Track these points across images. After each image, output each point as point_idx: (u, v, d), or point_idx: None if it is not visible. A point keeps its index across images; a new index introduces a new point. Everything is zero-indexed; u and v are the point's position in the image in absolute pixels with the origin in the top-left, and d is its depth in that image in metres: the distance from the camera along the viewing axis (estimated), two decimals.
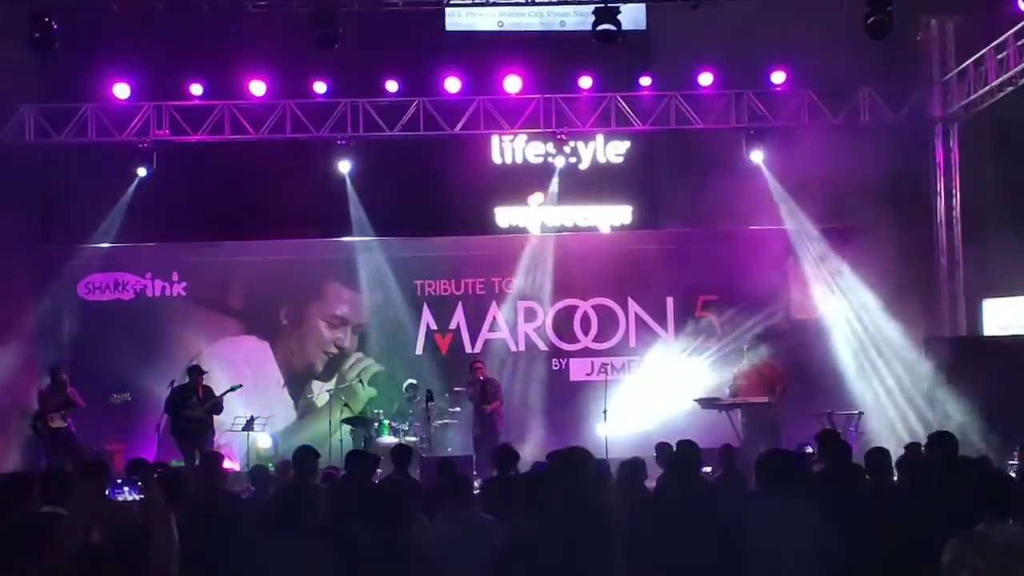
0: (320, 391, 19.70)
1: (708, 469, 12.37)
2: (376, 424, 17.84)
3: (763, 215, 19.53)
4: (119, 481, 14.21)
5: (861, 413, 17.72)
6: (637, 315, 19.98)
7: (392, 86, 19.25)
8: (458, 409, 18.45)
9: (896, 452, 10.02)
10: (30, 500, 7.43)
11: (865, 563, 7.19)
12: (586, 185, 20.18)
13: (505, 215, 20.29)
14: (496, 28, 19.17)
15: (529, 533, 6.57)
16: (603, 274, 19.69)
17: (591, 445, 15.58)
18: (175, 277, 19.80)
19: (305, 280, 19.97)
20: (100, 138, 19.02)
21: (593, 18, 15.68)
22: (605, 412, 17.71)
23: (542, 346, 19.95)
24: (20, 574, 6.55)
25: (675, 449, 9.43)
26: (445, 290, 20.07)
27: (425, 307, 19.96)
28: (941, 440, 9.11)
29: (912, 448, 10.81)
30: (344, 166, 19.34)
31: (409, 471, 11.63)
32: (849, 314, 19.34)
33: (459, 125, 19.27)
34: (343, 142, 19.26)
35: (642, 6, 18.26)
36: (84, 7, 16.73)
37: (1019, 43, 16.80)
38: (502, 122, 19.38)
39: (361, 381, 19.45)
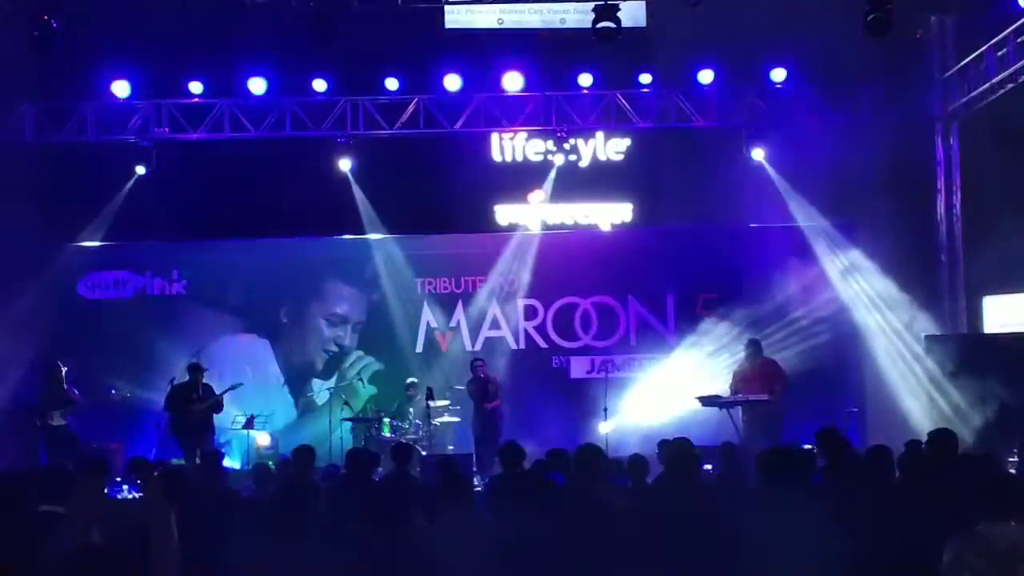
0: (320, 389, 19.71)
1: (709, 467, 12.39)
2: (376, 422, 17.83)
3: (764, 212, 19.55)
4: (119, 480, 14.20)
5: (859, 410, 17.71)
6: (637, 313, 19.98)
7: (392, 84, 19.26)
8: (458, 407, 18.45)
9: (897, 450, 10.02)
10: (29, 499, 7.43)
11: (865, 561, 7.18)
12: (586, 183, 20.16)
13: (505, 213, 20.27)
14: (496, 26, 19.13)
15: (529, 531, 6.58)
16: (603, 272, 19.69)
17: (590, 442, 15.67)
18: (175, 275, 19.83)
19: (305, 278, 19.97)
20: (100, 136, 19.07)
21: (593, 15, 15.67)
22: (605, 410, 17.74)
23: (542, 344, 19.96)
24: (20, 573, 6.54)
25: (671, 447, 9.44)
26: (445, 288, 20.08)
27: (425, 305, 19.97)
28: (942, 438, 9.11)
29: (913, 446, 10.79)
30: (345, 164, 19.34)
31: (409, 469, 11.63)
32: (849, 310, 19.34)
33: (459, 123, 19.29)
34: (343, 140, 19.27)
35: (642, 3, 18.20)
36: (84, 5, 16.73)
37: (1019, 40, 16.78)
38: (502, 120, 19.41)
39: (361, 379, 19.45)
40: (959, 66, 18.83)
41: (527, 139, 20.20)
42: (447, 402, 18.41)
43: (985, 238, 18.51)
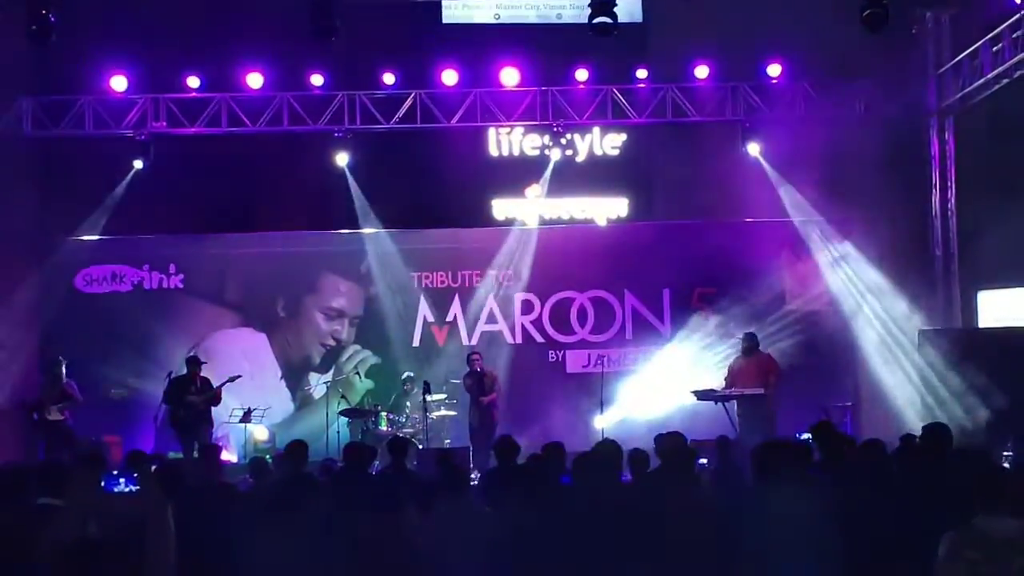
0: (317, 383, 19.71)
1: (704, 461, 12.43)
2: (373, 416, 17.86)
3: (759, 207, 19.58)
4: (115, 473, 14.23)
5: (854, 405, 17.74)
6: (633, 307, 20.01)
7: (389, 78, 19.27)
8: (455, 401, 18.48)
9: (891, 444, 10.07)
10: (27, 492, 7.46)
11: (861, 554, 7.22)
12: (582, 177, 20.17)
13: (502, 207, 20.28)
14: (493, 21, 19.16)
15: (523, 525, 6.61)
16: (599, 266, 19.70)
17: (587, 437, 15.73)
18: (172, 269, 19.81)
19: (302, 272, 19.98)
20: (97, 130, 19.05)
21: (589, 10, 15.67)
22: (602, 404, 17.76)
23: (539, 338, 19.99)
24: (19, 565, 6.58)
25: (667, 441, 9.49)
26: (442, 282, 20.10)
27: (422, 299, 20.00)
28: (936, 432, 9.13)
29: (907, 440, 10.83)
30: (342, 158, 19.35)
31: (406, 463, 11.66)
32: (844, 305, 19.39)
33: (456, 117, 19.30)
34: (340, 134, 19.27)
35: None
36: None
37: (1014, 36, 16.80)
38: (499, 114, 19.41)
39: (358, 373, 19.46)
40: (954, 61, 18.85)
41: (524, 134, 20.19)
42: (444, 396, 18.44)
43: (980, 233, 18.53)
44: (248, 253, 19.86)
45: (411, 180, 19.50)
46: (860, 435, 15.68)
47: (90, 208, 19.21)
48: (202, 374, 17.06)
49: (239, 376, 17.45)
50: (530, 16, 19.15)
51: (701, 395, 17.44)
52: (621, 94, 19.36)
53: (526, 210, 20.25)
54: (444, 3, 18.73)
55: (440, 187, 19.57)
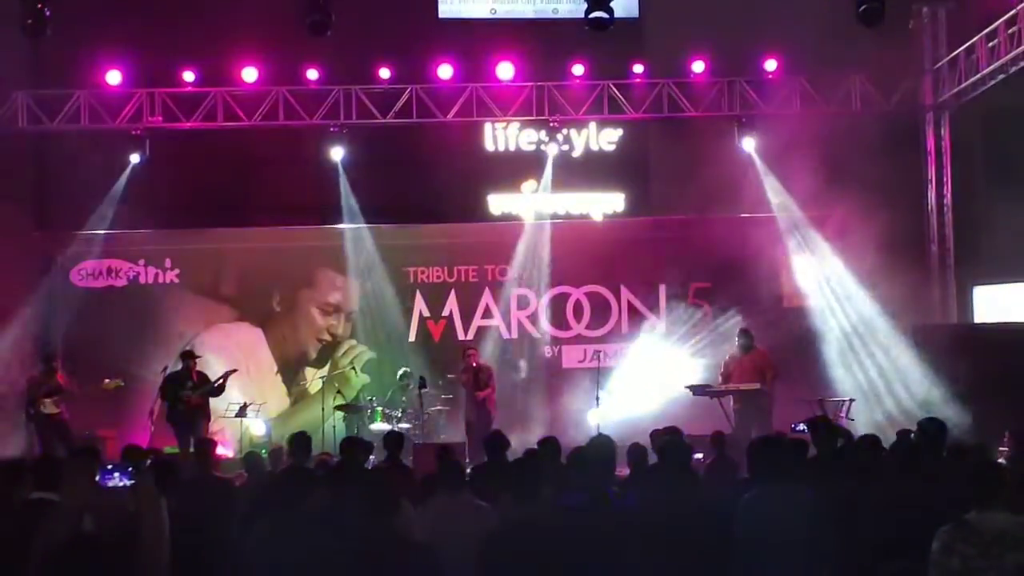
0: (313, 378, 19.71)
1: (700, 455, 12.44)
2: (369, 411, 17.86)
3: (755, 202, 19.56)
4: (111, 467, 14.21)
5: (852, 400, 17.74)
6: (629, 302, 20.01)
7: (385, 73, 19.26)
8: (451, 396, 18.48)
9: (887, 439, 10.07)
10: (22, 486, 7.45)
11: (855, 549, 7.22)
12: (579, 173, 20.15)
13: (498, 202, 20.25)
14: (489, 15, 19.15)
15: (520, 519, 6.60)
16: (595, 262, 19.69)
17: (583, 433, 15.72)
18: (168, 264, 19.80)
19: (298, 267, 19.96)
20: (93, 125, 19.03)
21: (586, 5, 15.67)
22: (597, 398, 17.77)
23: (535, 333, 19.99)
24: (14, 559, 6.57)
25: (663, 437, 9.50)
26: (438, 277, 20.08)
27: (418, 294, 19.99)
28: (931, 427, 9.13)
29: (903, 435, 10.84)
30: (337, 153, 19.34)
31: (401, 458, 11.66)
32: (840, 301, 19.38)
33: (452, 112, 19.30)
34: (336, 129, 19.27)
35: None
36: None
37: (1010, 31, 16.82)
38: (495, 109, 19.41)
39: (354, 368, 19.48)
40: (950, 57, 18.88)
41: (520, 129, 20.16)
42: (439, 391, 18.44)
43: (975, 228, 18.59)
44: (244, 248, 19.84)
45: (407, 175, 19.49)
46: (856, 430, 15.66)
47: (85, 202, 19.15)
48: (197, 368, 17.04)
49: (235, 371, 17.44)
50: (526, 11, 19.17)
51: (696, 390, 17.46)
52: (617, 89, 19.37)
53: (522, 205, 20.22)
54: None
55: (436, 182, 19.54)
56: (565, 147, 20.04)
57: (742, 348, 17.28)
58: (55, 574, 5.14)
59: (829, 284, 19.45)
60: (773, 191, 19.48)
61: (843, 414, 17.04)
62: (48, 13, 15.52)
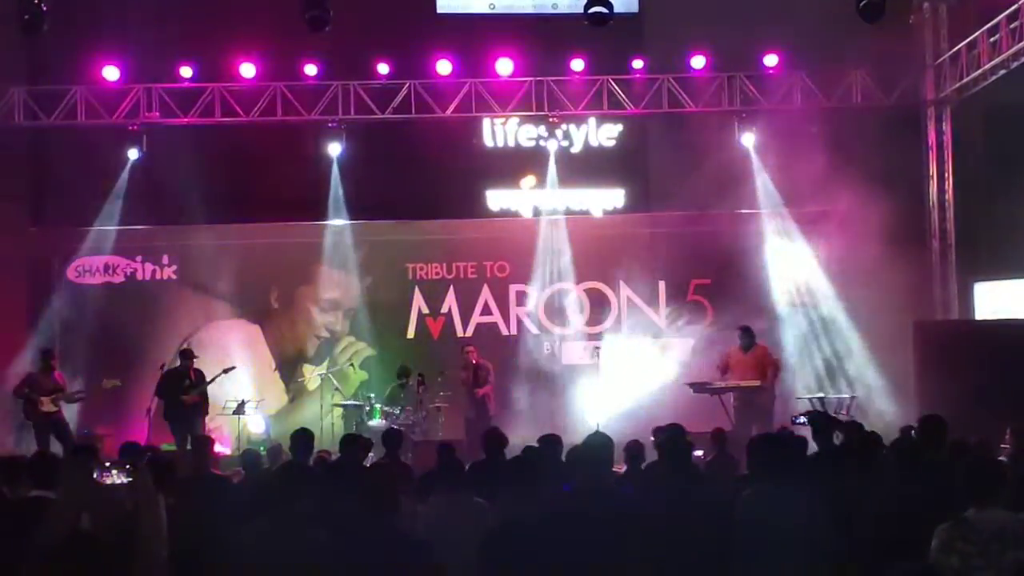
0: (311, 375, 19.67)
1: (700, 453, 12.39)
2: (367, 408, 17.81)
3: (756, 198, 19.52)
4: (107, 465, 14.17)
5: (854, 397, 17.71)
6: (629, 299, 19.96)
7: (383, 68, 19.23)
8: (450, 393, 18.42)
9: (888, 436, 10.03)
10: (20, 484, 7.42)
11: (856, 547, 7.19)
12: (578, 168, 20.09)
13: (497, 198, 20.20)
14: (488, 10, 19.10)
15: (519, 516, 6.56)
16: (595, 258, 19.67)
17: (582, 429, 15.67)
18: (165, 260, 19.76)
19: (296, 263, 19.93)
20: (90, 121, 18.99)
21: (585, 0, 15.62)
22: (597, 395, 17.73)
23: (534, 330, 19.94)
24: (11, 558, 6.53)
25: (664, 434, 9.46)
26: (437, 274, 20.04)
27: (416, 291, 19.94)
28: (932, 424, 9.10)
29: (904, 432, 10.81)
30: (333, 149, 19.30)
31: (400, 455, 11.62)
32: (840, 296, 19.34)
33: (451, 108, 19.27)
34: (334, 125, 19.23)
35: None
36: None
37: (1011, 26, 16.78)
38: (494, 105, 19.37)
39: (352, 365, 19.46)
40: (951, 52, 18.85)
41: (519, 124, 20.09)
42: (438, 388, 18.38)
43: (977, 224, 18.56)
44: (242, 244, 19.80)
45: (405, 171, 19.43)
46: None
47: (83, 199, 19.11)
48: (195, 366, 17.00)
49: (233, 368, 17.42)
50: (525, 6, 19.12)
51: (697, 387, 17.41)
52: (617, 84, 19.33)
53: (521, 201, 20.18)
54: None
55: (435, 178, 19.49)
56: (564, 143, 19.99)
57: (743, 345, 17.22)
58: (53, 572, 5.09)
59: (832, 279, 19.39)
60: (764, 189, 19.43)
61: (845, 411, 17.00)
62: (45, 9, 15.46)
